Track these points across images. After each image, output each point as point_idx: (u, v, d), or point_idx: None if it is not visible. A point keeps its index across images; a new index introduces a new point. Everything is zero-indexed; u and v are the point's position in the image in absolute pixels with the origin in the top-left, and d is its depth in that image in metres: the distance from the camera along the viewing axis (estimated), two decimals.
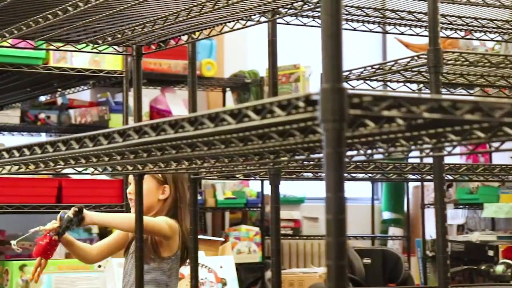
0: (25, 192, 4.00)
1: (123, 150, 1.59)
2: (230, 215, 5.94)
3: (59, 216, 2.88)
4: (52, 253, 2.93)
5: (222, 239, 3.97)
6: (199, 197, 4.27)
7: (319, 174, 2.31)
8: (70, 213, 2.86)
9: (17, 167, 2.15)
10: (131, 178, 3.05)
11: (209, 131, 1.22)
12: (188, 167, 2.09)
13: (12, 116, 5.16)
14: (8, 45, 2.46)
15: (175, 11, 1.98)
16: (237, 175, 2.70)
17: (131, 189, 3.05)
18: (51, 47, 2.45)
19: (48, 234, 2.87)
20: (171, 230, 2.99)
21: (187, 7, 1.93)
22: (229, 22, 2.08)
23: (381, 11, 2.51)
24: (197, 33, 2.24)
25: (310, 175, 2.36)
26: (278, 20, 2.22)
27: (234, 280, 3.53)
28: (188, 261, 2.96)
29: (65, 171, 3.76)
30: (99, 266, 3.69)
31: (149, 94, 5.23)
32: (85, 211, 2.89)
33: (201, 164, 2.03)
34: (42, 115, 5.12)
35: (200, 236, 3.16)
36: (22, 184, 3.99)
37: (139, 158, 1.67)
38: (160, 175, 3.08)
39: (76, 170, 2.50)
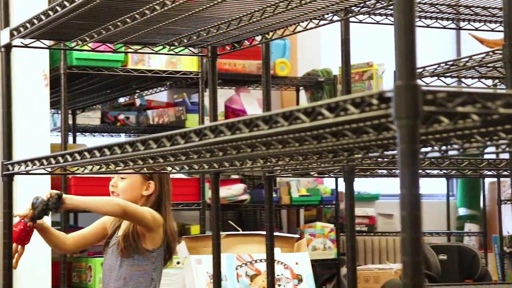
0: (104, 191, 4.05)
1: (199, 149, 1.60)
2: (304, 212, 5.93)
3: (31, 202, 2.77)
4: (28, 239, 2.82)
5: (297, 236, 3.96)
6: (274, 195, 4.28)
7: (393, 171, 2.28)
8: (44, 197, 2.77)
9: (98, 166, 2.19)
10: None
11: (284, 130, 1.22)
12: (263, 165, 2.09)
13: (93, 117, 5.25)
14: (89, 48, 2.50)
15: (249, 12, 1.98)
16: (312, 173, 2.69)
17: (114, 182, 3.05)
18: (130, 50, 2.49)
19: (22, 220, 2.78)
20: (155, 222, 2.91)
21: (261, 7, 1.94)
22: (302, 21, 2.08)
23: (455, 7, 2.48)
24: (271, 33, 2.24)
25: (385, 172, 2.33)
26: (351, 19, 2.21)
27: (310, 276, 3.52)
28: (185, 261, 2.91)
29: (144, 170, 3.80)
30: (178, 263, 3.72)
31: (224, 94, 5.25)
32: (65, 195, 2.81)
33: (275, 162, 2.03)
34: (121, 116, 5.20)
35: (275, 233, 3.11)
36: (101, 183, 4.04)
37: (215, 157, 1.67)
38: None
39: (154, 169, 2.52)
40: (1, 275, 2.32)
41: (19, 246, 2.78)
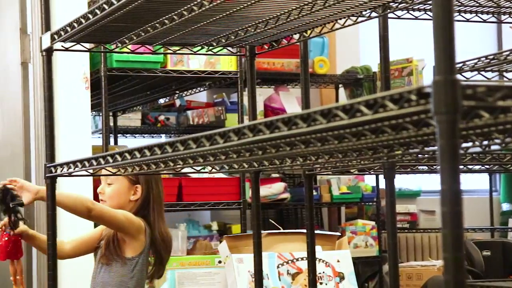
0: None
1: (239, 148, 1.60)
2: (345, 209, 5.92)
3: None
4: (20, 251, 2.70)
5: (338, 233, 3.94)
6: (314, 193, 4.27)
7: (434, 167, 2.27)
8: None
9: (138, 167, 2.20)
10: (102, 177, 2.91)
11: (322, 127, 1.21)
12: (302, 163, 2.09)
13: (134, 119, 5.28)
14: (128, 50, 2.51)
15: (286, 11, 1.98)
16: (352, 170, 2.68)
17: (101, 188, 2.93)
18: (169, 51, 2.50)
19: (4, 232, 2.66)
20: (132, 226, 2.78)
21: (298, 5, 1.93)
22: (340, 19, 2.07)
23: (495, 0, 2.45)
24: (309, 31, 2.23)
25: (425, 168, 2.32)
26: (389, 15, 2.19)
27: (352, 274, 3.50)
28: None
29: (184, 170, 3.81)
30: (220, 262, 3.73)
31: (263, 93, 5.25)
32: (37, 187, 2.65)
33: (315, 160, 2.02)
34: (161, 117, 5.22)
35: (316, 231, 3.09)
36: None
37: (255, 156, 1.67)
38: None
39: (194, 169, 2.53)
40: (46, 276, 2.36)
41: (15, 262, 2.69)
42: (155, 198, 2.91)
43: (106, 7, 1.85)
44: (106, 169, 2.23)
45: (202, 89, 4.93)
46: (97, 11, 1.89)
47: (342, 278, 3.47)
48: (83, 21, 2.00)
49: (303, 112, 1.23)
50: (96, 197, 3.82)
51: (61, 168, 2.21)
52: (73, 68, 3.60)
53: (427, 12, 2.35)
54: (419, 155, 2.11)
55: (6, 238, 2.65)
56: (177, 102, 5.30)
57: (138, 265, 2.81)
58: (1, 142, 3.58)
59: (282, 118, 1.28)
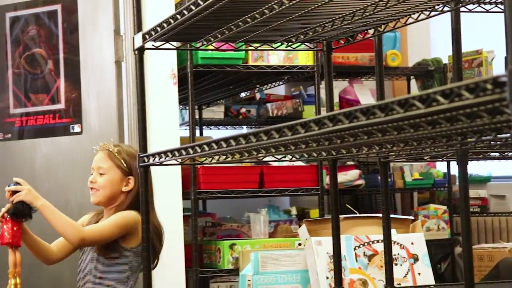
0: (231, 179, 4.10)
1: (318, 137, 1.59)
2: (418, 195, 5.86)
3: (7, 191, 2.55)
4: (20, 238, 2.54)
5: (412, 217, 3.90)
6: (388, 179, 4.23)
7: (506, 153, 2.22)
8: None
9: (224, 156, 2.21)
10: (94, 165, 2.80)
11: (399, 116, 1.20)
12: (378, 151, 2.07)
13: (217, 111, 5.32)
14: (213, 48, 2.52)
15: (362, 7, 1.96)
16: (425, 157, 2.64)
17: (93, 178, 2.78)
18: (250, 48, 2.49)
19: (7, 218, 2.52)
20: (130, 228, 2.68)
21: (373, 2, 1.91)
22: (414, 13, 2.04)
23: None
24: (383, 26, 2.21)
25: (497, 154, 2.27)
26: (461, 8, 2.15)
27: (425, 255, 3.46)
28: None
29: (265, 159, 3.82)
30: (299, 244, 3.73)
31: (338, 85, 5.22)
32: (40, 201, 2.55)
33: (390, 148, 2.00)
34: (243, 110, 5.24)
35: (391, 216, 3.06)
36: (228, 172, 4.10)
37: (333, 144, 1.66)
38: (125, 165, 2.76)
39: (275, 157, 2.52)
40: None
41: (15, 251, 2.53)
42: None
43: (193, 7, 1.86)
44: (195, 158, 2.24)
45: (280, 83, 4.93)
46: (185, 11, 1.91)
47: (416, 259, 3.43)
48: (172, 21, 2.01)
49: (381, 102, 1.22)
50: (186, 184, 3.86)
51: (153, 158, 2.23)
52: (162, 66, 3.64)
53: (498, 5, 2.30)
54: (492, 142, 2.07)
55: (9, 224, 2.51)
56: (258, 96, 5.31)
57: (136, 255, 2.73)
58: (98, 134, 3.64)
59: (360, 109, 1.27)
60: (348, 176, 5.04)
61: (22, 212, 2.54)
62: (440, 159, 3.15)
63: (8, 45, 3.82)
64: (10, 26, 3.82)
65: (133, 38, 2.30)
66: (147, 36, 2.21)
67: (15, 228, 2.52)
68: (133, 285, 2.76)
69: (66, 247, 2.74)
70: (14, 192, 2.55)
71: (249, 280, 3.43)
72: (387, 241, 2.50)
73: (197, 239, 3.98)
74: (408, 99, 1.16)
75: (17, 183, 2.58)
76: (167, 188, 3.60)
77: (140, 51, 2.28)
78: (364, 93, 5.13)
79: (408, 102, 1.16)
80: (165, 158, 2.15)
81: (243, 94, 5.39)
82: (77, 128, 3.69)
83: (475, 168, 6.06)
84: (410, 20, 2.09)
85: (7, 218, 2.52)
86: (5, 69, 3.82)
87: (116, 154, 2.81)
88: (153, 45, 2.28)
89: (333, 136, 1.57)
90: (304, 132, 1.43)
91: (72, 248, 2.74)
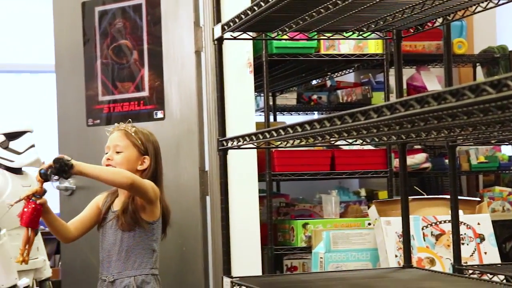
0: (304, 162, 4.10)
1: (390, 122, 1.57)
2: (483, 177, 5.75)
3: (39, 173, 2.46)
4: (38, 221, 2.49)
5: (478, 199, 3.83)
6: None
7: None
8: (48, 164, 2.46)
9: (298, 140, 2.21)
10: (110, 144, 2.75)
11: (470, 101, 1.17)
12: (447, 135, 2.03)
13: (290, 98, 5.31)
14: (287, 37, 2.51)
15: None
16: (492, 141, 2.59)
17: (109, 155, 2.73)
18: (322, 37, 2.48)
19: (31, 200, 2.45)
20: (155, 195, 2.68)
21: None
22: (482, 2, 1.99)
23: None
24: (451, 15, 2.16)
25: None
26: None
27: (492, 235, 3.41)
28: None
29: (337, 142, 3.80)
30: (369, 224, 3.71)
31: (406, 73, 5.14)
32: (73, 161, 2.48)
33: (459, 132, 1.97)
34: (314, 96, 5.22)
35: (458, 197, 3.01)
36: (301, 155, 4.09)
37: (404, 129, 1.64)
38: (142, 144, 2.75)
39: (347, 141, 2.50)
40: (220, 237, 2.39)
41: (31, 232, 2.48)
42: (161, 171, 2.80)
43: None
44: (271, 142, 2.24)
45: (350, 71, 4.90)
46: (262, 3, 1.90)
47: (482, 239, 3.38)
48: (249, 12, 2.01)
49: (452, 88, 1.19)
50: (261, 167, 3.87)
51: (232, 142, 2.24)
52: (239, 55, 3.65)
53: None
54: None
55: (32, 206, 2.46)
56: (328, 83, 5.28)
57: (157, 228, 2.75)
58: (179, 119, 3.67)
59: (432, 94, 1.25)
60: (415, 159, 4.97)
61: (61, 169, 2.46)
62: (507, 143, 3.07)
63: (97, 37, 3.88)
64: (99, 20, 3.89)
65: (213, 29, 2.31)
66: (225, 27, 2.22)
67: (35, 213, 2.46)
68: (158, 255, 2.76)
69: (82, 226, 2.73)
70: (45, 176, 2.47)
71: (321, 258, 3.43)
72: (455, 221, 2.46)
73: (272, 218, 3.99)
74: (479, 85, 1.14)
75: (43, 174, 2.47)
76: (244, 171, 3.62)
77: (219, 41, 2.29)
78: (431, 80, 5.05)
79: (479, 88, 1.14)
80: (242, 142, 2.16)
81: (314, 82, 5.37)
82: (159, 114, 3.74)
83: None
84: (479, 9, 2.04)
85: (31, 201, 2.46)
86: (94, 59, 3.89)
87: (133, 133, 2.78)
88: (231, 35, 2.29)
89: (404, 121, 1.55)
90: (376, 117, 1.42)
91: (88, 227, 2.75)
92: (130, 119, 2.96)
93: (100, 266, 2.78)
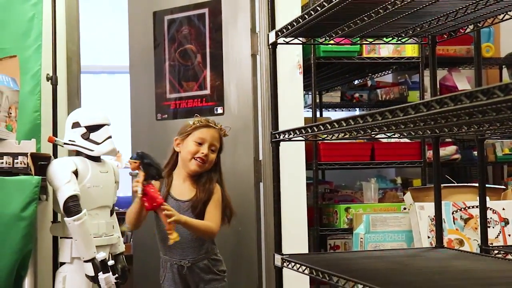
0: (347, 153, 4.08)
1: (425, 118, 1.56)
2: (508, 168, 5.64)
3: (133, 159, 2.38)
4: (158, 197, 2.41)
5: (503, 187, 3.77)
6: None
7: None
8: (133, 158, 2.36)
9: (343, 134, 2.20)
10: (209, 139, 2.68)
11: (499, 100, 1.16)
12: (476, 130, 2.00)
13: (335, 96, 5.28)
14: (333, 42, 2.50)
15: (464, 5, 1.89)
16: None
17: (208, 152, 2.70)
18: (365, 42, 2.46)
19: (145, 184, 2.38)
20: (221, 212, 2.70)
21: (474, 1, 1.84)
22: (510, 11, 1.95)
23: None
24: (482, 22, 2.13)
25: None
26: None
27: None
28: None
29: (377, 136, 3.77)
30: (404, 209, 3.68)
31: (438, 74, 5.04)
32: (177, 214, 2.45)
33: (488, 127, 1.93)
34: (356, 95, 5.18)
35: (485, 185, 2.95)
36: (344, 147, 4.07)
37: (438, 124, 1.62)
38: (221, 146, 2.73)
39: (386, 135, 2.48)
40: (272, 219, 2.40)
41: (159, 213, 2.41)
42: (219, 163, 2.81)
43: (319, 8, 1.85)
44: (317, 135, 2.24)
45: (389, 72, 4.85)
46: (312, 12, 1.90)
47: (507, 223, 3.32)
48: (300, 20, 2.01)
49: (483, 87, 1.18)
50: (308, 157, 3.86)
51: (283, 135, 2.24)
52: (290, 58, 3.64)
53: None
54: None
55: (152, 189, 2.42)
56: (369, 83, 5.23)
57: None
58: (236, 115, 3.69)
59: (465, 93, 1.23)
60: (446, 151, 4.90)
61: (156, 172, 2.43)
62: None
63: (165, 42, 3.92)
64: (168, 27, 3.92)
65: (268, 35, 2.31)
66: (279, 33, 2.22)
67: (155, 194, 2.42)
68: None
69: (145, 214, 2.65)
70: (140, 162, 2.40)
71: (361, 238, 3.41)
72: (482, 207, 2.42)
73: (317, 203, 3.99)
74: (508, 85, 1.12)
75: (139, 155, 2.44)
76: (293, 160, 3.61)
77: (273, 46, 2.29)
78: (461, 80, 4.97)
79: (508, 87, 1.12)
80: (293, 135, 2.16)
81: (356, 81, 5.33)
82: (219, 110, 3.75)
83: None
84: (506, 17, 2.00)
85: (146, 184, 2.41)
86: (163, 61, 3.92)
87: (224, 136, 2.78)
88: (284, 40, 2.29)
89: (438, 117, 1.54)
90: (414, 113, 1.40)
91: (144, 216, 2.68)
92: (213, 120, 2.90)
93: (168, 251, 2.72)
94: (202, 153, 2.68)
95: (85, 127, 3.10)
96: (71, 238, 2.93)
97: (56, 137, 3.25)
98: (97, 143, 3.08)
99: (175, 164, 2.83)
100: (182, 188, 2.70)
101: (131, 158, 2.47)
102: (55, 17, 3.54)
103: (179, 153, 2.81)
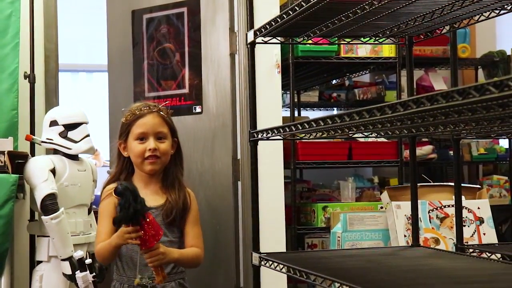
0: (324, 152, 4.09)
1: (402, 117, 1.56)
2: (483, 167, 5.69)
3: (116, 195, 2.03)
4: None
5: (478, 186, 3.80)
6: None
7: None
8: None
9: (320, 133, 2.19)
10: (150, 130, 2.28)
11: (475, 100, 1.16)
12: (452, 129, 2.01)
13: (312, 96, 5.30)
14: (311, 42, 2.50)
15: (441, 6, 1.90)
16: (492, 135, 2.55)
17: (155, 145, 2.28)
18: (342, 42, 2.45)
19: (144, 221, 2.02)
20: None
21: (451, 2, 1.85)
22: (485, 12, 1.96)
23: None
24: (458, 23, 2.13)
25: None
26: None
27: (490, 218, 3.37)
28: None
29: (354, 135, 3.77)
30: (381, 208, 3.69)
31: (415, 74, 5.10)
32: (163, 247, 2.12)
33: (463, 127, 1.94)
34: (334, 94, 5.20)
35: (461, 184, 2.98)
36: (322, 146, 4.08)
37: (415, 123, 1.62)
38: (173, 128, 2.35)
39: (363, 134, 2.49)
40: (250, 217, 2.39)
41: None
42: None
43: (297, 8, 1.84)
44: (295, 134, 2.23)
45: (366, 72, 4.87)
46: (290, 12, 1.89)
47: (482, 221, 3.35)
48: (279, 20, 2.00)
49: (459, 87, 1.18)
50: (286, 156, 3.86)
51: (261, 134, 2.24)
52: (268, 57, 3.64)
53: None
54: None
55: (149, 226, 2.06)
56: (347, 82, 5.25)
57: None
58: (215, 114, 3.67)
59: (441, 93, 1.23)
60: (423, 151, 4.93)
61: (132, 214, 2.03)
62: (505, 137, 3.04)
63: (144, 41, 3.89)
64: (146, 26, 3.90)
65: (246, 34, 2.30)
66: (257, 33, 2.21)
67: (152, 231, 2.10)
68: None
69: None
70: (118, 202, 2.02)
71: (338, 237, 3.42)
72: (458, 206, 2.44)
73: (295, 201, 3.99)
74: (483, 85, 1.12)
75: (119, 191, 2.02)
76: (271, 159, 3.61)
77: (252, 45, 2.28)
78: (438, 81, 5.01)
79: (483, 88, 1.13)
80: (271, 134, 2.15)
81: (334, 81, 5.34)
82: (198, 109, 3.74)
83: None
84: (482, 18, 2.01)
85: (144, 221, 2.05)
86: (141, 60, 3.90)
87: (168, 116, 2.34)
88: (262, 40, 2.28)
89: (415, 117, 1.54)
90: (391, 113, 1.40)
91: None
92: (167, 101, 2.72)
93: (132, 268, 2.30)
94: (149, 149, 2.26)
95: (63, 125, 3.07)
96: (48, 236, 2.90)
97: (34, 136, 3.22)
98: (75, 142, 3.05)
99: (130, 169, 2.40)
100: (147, 193, 2.26)
101: (114, 192, 2.10)
102: (33, 15, 3.50)
103: (129, 156, 2.38)
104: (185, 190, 2.43)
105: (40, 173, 2.91)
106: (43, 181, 2.89)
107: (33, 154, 3.33)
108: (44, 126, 3.12)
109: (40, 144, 3.12)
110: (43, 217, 2.86)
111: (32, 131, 3.41)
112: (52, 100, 3.75)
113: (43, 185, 2.88)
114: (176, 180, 2.40)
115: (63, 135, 3.06)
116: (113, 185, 2.26)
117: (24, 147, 3.34)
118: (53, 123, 3.08)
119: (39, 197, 2.87)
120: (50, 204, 2.86)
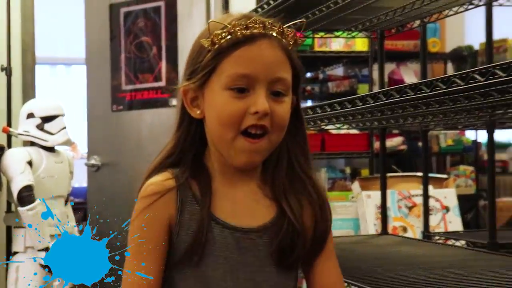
0: None
1: (373, 109, 1.57)
2: (450, 158, 5.76)
3: None
4: None
5: (445, 176, 3.84)
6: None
7: None
8: None
9: None
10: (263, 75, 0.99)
11: (442, 91, 1.17)
12: (421, 121, 2.03)
13: None
14: None
15: (411, 1, 1.91)
16: (459, 126, 2.59)
17: (266, 108, 1.08)
18: (316, 36, 2.46)
19: None
20: None
21: None
22: (454, 7, 1.98)
23: None
24: (428, 18, 2.15)
25: None
26: (494, 3, 2.08)
27: (456, 207, 3.41)
28: None
29: (327, 127, 3.78)
30: (352, 197, 3.71)
31: (387, 68, 5.11)
32: None
33: (431, 119, 1.96)
34: (308, 87, 5.21)
35: (429, 174, 3.01)
36: None
37: (385, 115, 1.64)
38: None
39: (336, 126, 2.49)
40: None
41: None
42: None
43: (271, 2, 1.84)
44: None
45: (340, 65, 4.89)
46: (265, 5, 1.90)
47: (448, 210, 3.38)
48: (254, 13, 2.00)
49: (427, 80, 1.20)
50: None
51: None
52: None
53: None
54: None
55: None
56: (320, 76, 5.26)
57: None
58: None
59: (409, 85, 1.25)
60: (393, 142, 4.96)
61: None
62: (471, 128, 3.07)
63: (121, 34, 3.87)
64: (124, 19, 3.87)
65: None
66: None
67: None
68: None
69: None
70: None
71: None
72: (425, 195, 2.47)
73: None
74: (450, 77, 1.14)
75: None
76: None
77: None
78: (409, 74, 5.04)
79: (450, 80, 1.14)
80: None
81: (308, 74, 5.35)
82: (174, 102, 3.73)
83: (498, 135, 5.92)
84: (451, 13, 2.03)
85: None
86: (119, 54, 3.87)
87: (296, 46, 1.22)
88: None
89: (385, 108, 1.55)
90: (361, 104, 1.42)
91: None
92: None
93: None
94: (256, 112, 1.10)
95: (39, 117, 3.04)
96: (25, 227, 2.88)
97: (11, 128, 3.18)
98: (52, 134, 3.02)
99: (200, 145, 1.20)
100: (238, 203, 1.17)
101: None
102: (9, 8, 3.46)
103: (202, 120, 1.19)
104: (324, 195, 1.29)
105: (17, 165, 2.88)
106: (20, 173, 2.86)
107: (9, 146, 3.29)
108: (21, 119, 3.09)
109: (17, 137, 3.09)
110: (19, 209, 2.83)
111: (9, 124, 3.37)
112: (29, 92, 3.71)
113: (20, 177, 2.85)
114: (302, 173, 1.24)
115: (40, 127, 3.03)
116: (159, 179, 1.16)
117: (1, 139, 3.30)
118: (30, 115, 3.05)
119: (16, 188, 2.84)
120: (26, 195, 2.83)
